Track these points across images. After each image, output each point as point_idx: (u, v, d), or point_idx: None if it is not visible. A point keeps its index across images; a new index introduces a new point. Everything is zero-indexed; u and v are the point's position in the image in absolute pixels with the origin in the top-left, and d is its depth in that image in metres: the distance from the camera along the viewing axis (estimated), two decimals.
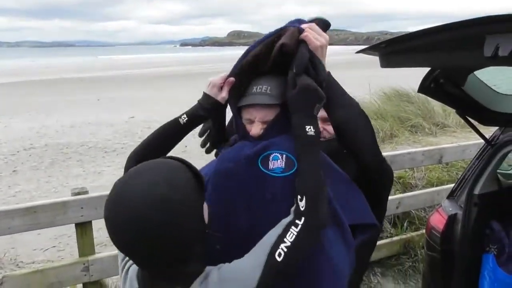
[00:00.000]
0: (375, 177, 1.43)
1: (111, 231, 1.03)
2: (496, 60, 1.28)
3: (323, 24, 1.38)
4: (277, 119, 1.35)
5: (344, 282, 1.32)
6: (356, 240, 1.36)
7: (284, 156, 1.29)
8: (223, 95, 1.43)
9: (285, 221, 1.12)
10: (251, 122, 1.37)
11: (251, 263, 1.05)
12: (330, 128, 1.67)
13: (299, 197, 1.14)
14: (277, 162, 1.29)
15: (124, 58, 78.60)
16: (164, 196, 0.99)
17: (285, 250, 1.05)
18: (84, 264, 2.66)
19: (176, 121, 1.45)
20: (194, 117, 1.45)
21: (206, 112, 1.45)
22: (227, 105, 1.48)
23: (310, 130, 1.21)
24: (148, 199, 0.98)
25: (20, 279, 2.57)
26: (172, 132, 1.47)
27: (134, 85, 24.55)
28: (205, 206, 1.13)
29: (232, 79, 1.41)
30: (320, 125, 1.67)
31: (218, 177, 1.35)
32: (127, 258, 1.22)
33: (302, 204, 1.12)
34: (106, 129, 12.41)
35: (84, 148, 10.27)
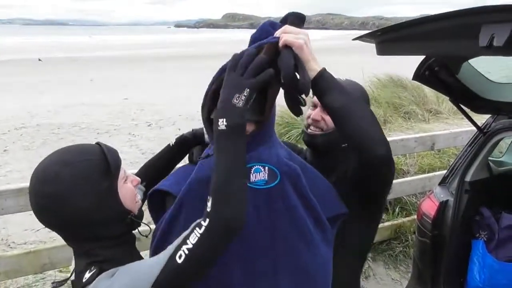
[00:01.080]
0: (381, 172, 1.32)
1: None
2: (491, 49, 1.29)
3: (298, 19, 1.28)
4: (255, 133, 1.28)
5: (330, 279, 1.37)
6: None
7: (266, 168, 1.27)
8: None
9: (195, 222, 1.08)
10: None
11: (154, 261, 1.05)
12: (329, 119, 1.54)
13: (208, 196, 1.07)
14: (259, 174, 1.26)
15: (118, 38, 77.76)
16: (56, 172, 1.10)
17: (186, 252, 1.01)
18: None
19: (168, 145, 1.58)
20: (181, 139, 1.56)
21: (193, 137, 1.54)
22: None
23: (222, 123, 1.10)
24: (42, 175, 1.12)
25: (12, 260, 2.58)
26: (166, 154, 1.58)
27: (128, 66, 24.34)
28: (129, 192, 1.21)
29: None
30: (319, 114, 1.59)
31: (200, 185, 1.26)
32: None
33: (209, 204, 1.06)
34: (99, 110, 12.33)
35: (77, 129, 10.22)
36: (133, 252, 1.21)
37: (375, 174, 1.32)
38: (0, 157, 8.15)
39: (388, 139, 3.70)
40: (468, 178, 2.53)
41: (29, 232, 4.81)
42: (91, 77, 19.28)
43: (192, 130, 1.56)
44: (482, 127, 2.62)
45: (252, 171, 1.26)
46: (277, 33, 1.23)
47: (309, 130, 1.65)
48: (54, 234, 4.42)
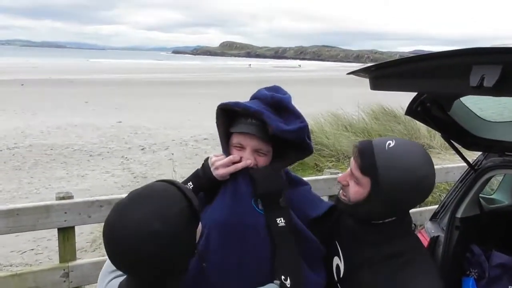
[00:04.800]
0: None
1: (109, 253, 1.14)
2: (481, 90, 1.32)
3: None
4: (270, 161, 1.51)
5: None
6: None
7: None
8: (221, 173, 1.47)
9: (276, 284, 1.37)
10: (242, 148, 1.47)
11: None
12: (354, 190, 1.44)
13: (283, 277, 1.37)
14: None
15: (115, 62, 78.34)
16: (156, 232, 1.08)
17: None
18: (64, 270, 2.62)
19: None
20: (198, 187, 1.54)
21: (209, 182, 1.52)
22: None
23: (280, 221, 1.42)
24: (141, 234, 1.07)
25: None
26: None
27: (124, 90, 24.44)
28: (199, 227, 1.23)
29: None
30: (345, 176, 1.49)
31: (218, 231, 1.44)
32: (114, 273, 1.31)
33: (288, 283, 1.36)
34: (92, 132, 12.32)
35: (69, 151, 10.18)
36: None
37: None
38: None
39: None
40: (459, 214, 2.53)
41: (15, 254, 4.73)
42: (86, 99, 19.33)
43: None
44: (473, 164, 2.64)
45: (259, 200, 1.47)
46: None
47: (340, 191, 1.53)
48: (40, 257, 4.33)
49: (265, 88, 1.55)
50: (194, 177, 1.53)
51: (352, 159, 1.45)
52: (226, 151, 1.50)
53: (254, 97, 1.52)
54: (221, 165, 1.44)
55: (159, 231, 1.08)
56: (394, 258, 1.42)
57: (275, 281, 1.37)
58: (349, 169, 1.47)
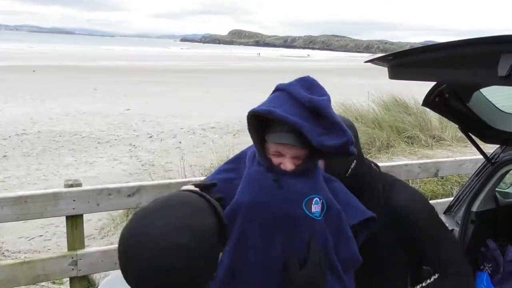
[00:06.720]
0: None
1: (125, 266, 1.02)
2: (510, 80, 1.26)
3: None
4: (308, 160, 1.43)
5: None
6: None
7: (321, 201, 1.44)
8: None
9: None
10: (281, 155, 1.41)
11: None
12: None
13: None
14: (317, 206, 1.42)
15: (124, 49, 78.42)
16: (185, 245, 0.98)
17: None
18: (72, 258, 2.60)
19: None
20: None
21: None
22: None
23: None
24: (169, 246, 0.97)
25: (6, 270, 2.52)
26: None
27: (132, 78, 24.45)
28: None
29: None
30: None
31: (252, 210, 1.40)
32: None
33: None
34: (100, 119, 12.33)
35: (77, 138, 10.20)
36: None
37: None
38: (0, 163, 8.11)
39: (392, 163, 3.66)
40: (474, 208, 2.48)
41: (23, 240, 4.75)
42: (95, 86, 19.36)
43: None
44: (490, 157, 2.58)
45: (313, 202, 1.41)
46: None
47: None
48: (48, 243, 4.33)
49: (298, 81, 1.42)
50: None
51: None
52: (263, 156, 1.44)
53: (286, 90, 1.40)
54: None
55: (185, 245, 0.98)
56: (379, 191, 1.73)
57: None
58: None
